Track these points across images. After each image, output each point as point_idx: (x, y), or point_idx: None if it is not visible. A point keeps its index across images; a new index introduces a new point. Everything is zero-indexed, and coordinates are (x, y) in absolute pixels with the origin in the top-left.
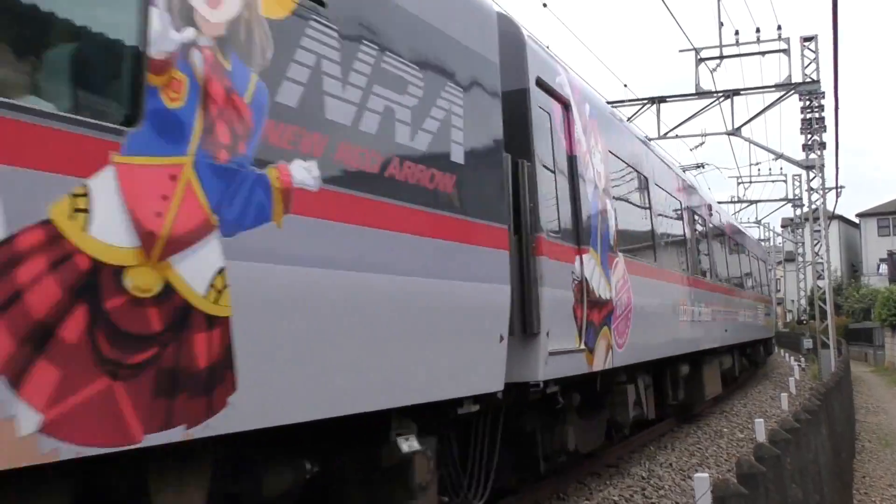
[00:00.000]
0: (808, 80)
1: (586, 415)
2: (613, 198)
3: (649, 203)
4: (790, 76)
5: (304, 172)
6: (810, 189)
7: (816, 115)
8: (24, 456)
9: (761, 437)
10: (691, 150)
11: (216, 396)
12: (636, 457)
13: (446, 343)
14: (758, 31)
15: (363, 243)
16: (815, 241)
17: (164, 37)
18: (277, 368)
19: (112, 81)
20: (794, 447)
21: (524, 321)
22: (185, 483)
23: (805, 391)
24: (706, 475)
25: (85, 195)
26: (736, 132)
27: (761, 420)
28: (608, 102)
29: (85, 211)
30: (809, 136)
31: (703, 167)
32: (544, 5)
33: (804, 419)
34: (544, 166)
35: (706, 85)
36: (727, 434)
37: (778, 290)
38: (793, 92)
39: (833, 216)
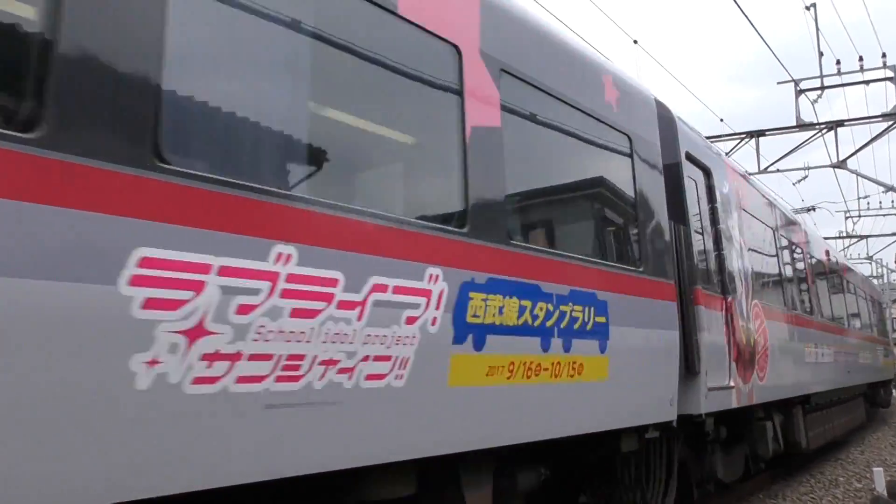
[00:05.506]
0: None
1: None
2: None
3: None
4: None
5: None
6: None
7: None
8: None
9: (881, 487)
10: (794, 184)
11: None
12: None
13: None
14: (861, 59)
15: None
16: None
17: None
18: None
19: None
20: None
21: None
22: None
23: None
24: None
25: None
26: (841, 165)
27: (880, 469)
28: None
29: None
30: None
31: (814, 209)
32: (635, 42)
33: None
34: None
35: (807, 117)
36: (843, 483)
37: (894, 331)
38: None
39: None
